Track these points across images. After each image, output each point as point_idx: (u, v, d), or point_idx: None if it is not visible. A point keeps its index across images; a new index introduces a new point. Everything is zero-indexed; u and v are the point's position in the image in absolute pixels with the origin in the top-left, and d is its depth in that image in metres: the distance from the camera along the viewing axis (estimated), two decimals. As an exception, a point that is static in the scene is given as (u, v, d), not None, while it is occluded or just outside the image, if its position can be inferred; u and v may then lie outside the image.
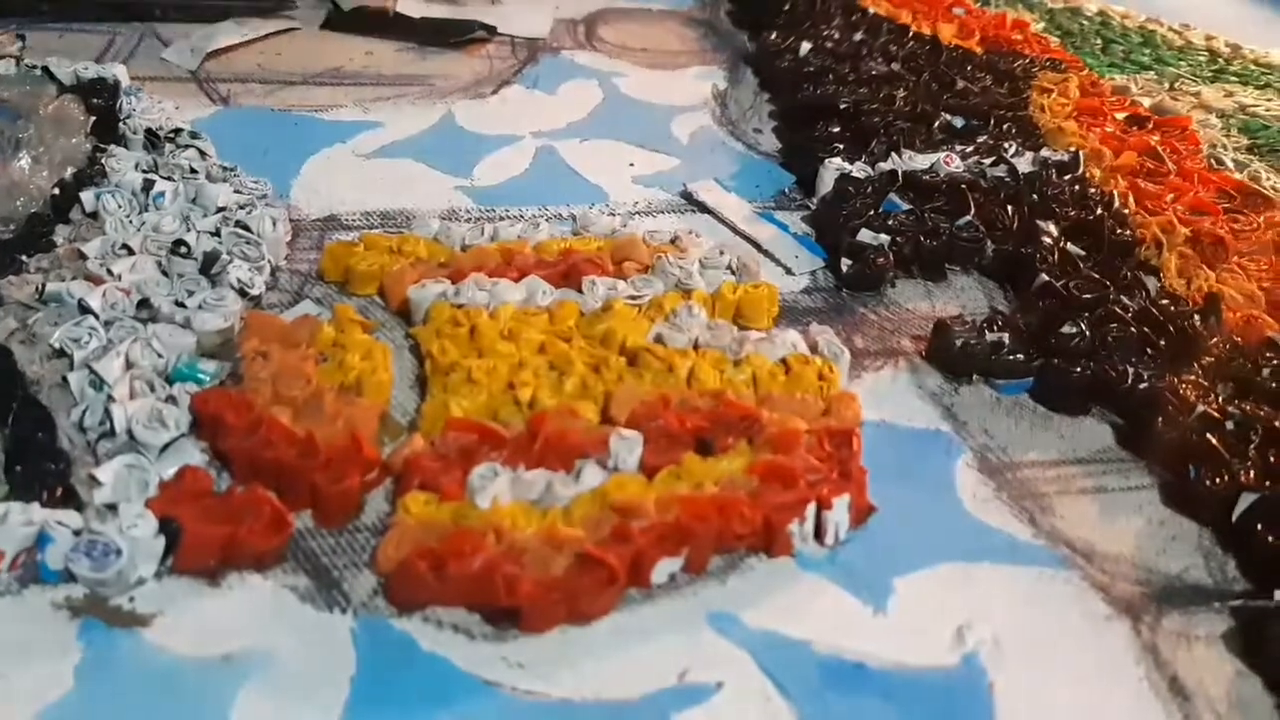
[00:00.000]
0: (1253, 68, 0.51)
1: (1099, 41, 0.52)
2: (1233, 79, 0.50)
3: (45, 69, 0.41)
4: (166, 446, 0.27)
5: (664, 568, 0.26)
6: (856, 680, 0.24)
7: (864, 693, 0.24)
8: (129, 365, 0.29)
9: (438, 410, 0.29)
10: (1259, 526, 0.27)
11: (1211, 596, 0.27)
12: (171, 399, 0.28)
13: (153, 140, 0.38)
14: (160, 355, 0.29)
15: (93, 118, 0.39)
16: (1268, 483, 0.28)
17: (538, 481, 0.27)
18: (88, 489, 0.26)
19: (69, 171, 0.36)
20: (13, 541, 0.24)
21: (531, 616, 0.24)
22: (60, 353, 0.30)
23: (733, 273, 0.35)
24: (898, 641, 0.25)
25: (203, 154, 0.38)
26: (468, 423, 0.28)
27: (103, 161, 0.37)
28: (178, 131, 0.39)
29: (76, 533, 0.25)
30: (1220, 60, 0.51)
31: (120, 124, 0.39)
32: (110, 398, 0.28)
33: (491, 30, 0.49)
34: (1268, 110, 0.46)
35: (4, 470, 0.27)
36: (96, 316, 0.30)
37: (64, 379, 0.29)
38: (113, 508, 0.25)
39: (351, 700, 0.23)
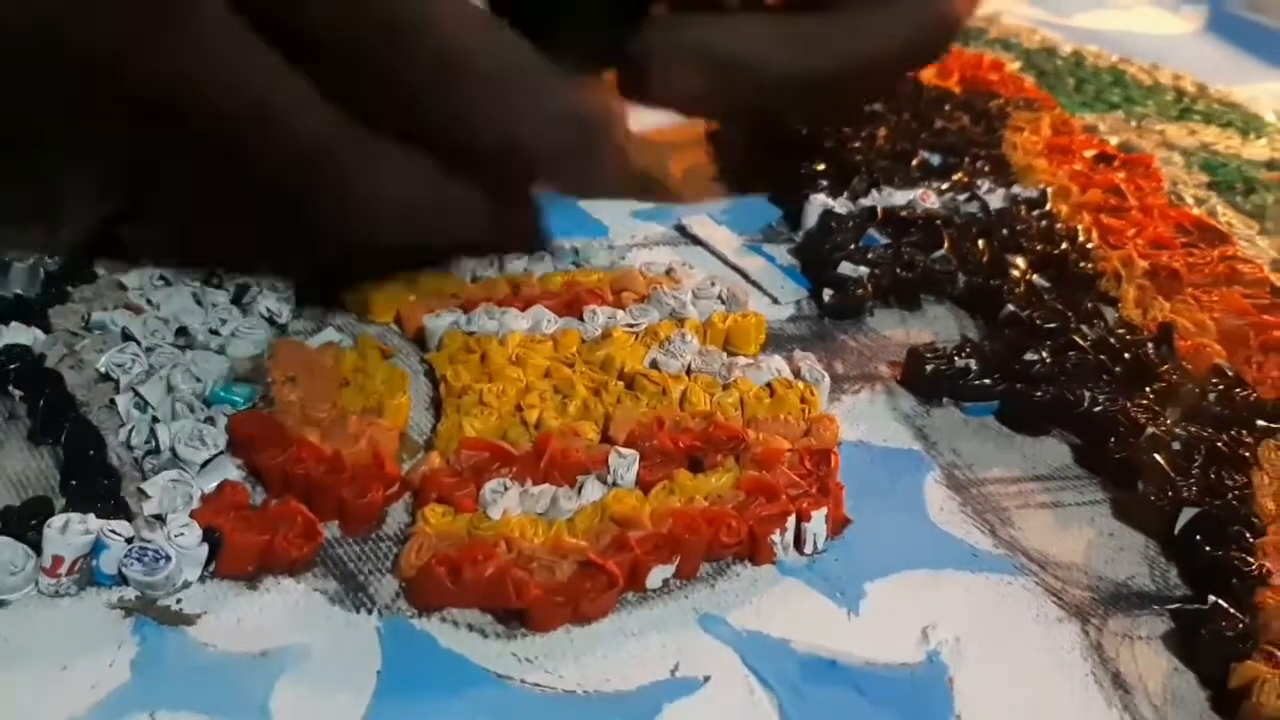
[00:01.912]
0: (1216, 106, 0.54)
1: (1072, 81, 0.55)
2: (1197, 117, 0.53)
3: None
4: (207, 463, 0.30)
5: (658, 574, 0.28)
6: (830, 674, 0.27)
7: (837, 685, 0.27)
8: (170, 389, 0.31)
9: (452, 431, 0.31)
10: (1197, 538, 0.30)
11: (1153, 601, 0.30)
12: (210, 420, 0.31)
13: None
14: (198, 380, 0.32)
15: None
16: (1207, 499, 0.31)
17: (544, 495, 0.30)
18: (137, 501, 0.29)
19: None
20: (71, 549, 0.27)
21: (538, 617, 0.27)
22: (106, 377, 0.32)
23: (723, 302, 0.38)
24: (868, 640, 0.28)
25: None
26: (480, 442, 0.31)
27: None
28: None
29: (129, 540, 0.27)
30: (1186, 99, 0.54)
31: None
32: (155, 418, 0.31)
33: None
34: (1227, 148, 0.49)
35: (60, 485, 0.29)
36: (138, 343, 0.33)
37: (111, 401, 0.31)
38: (160, 518, 0.28)
39: (379, 690, 0.25)
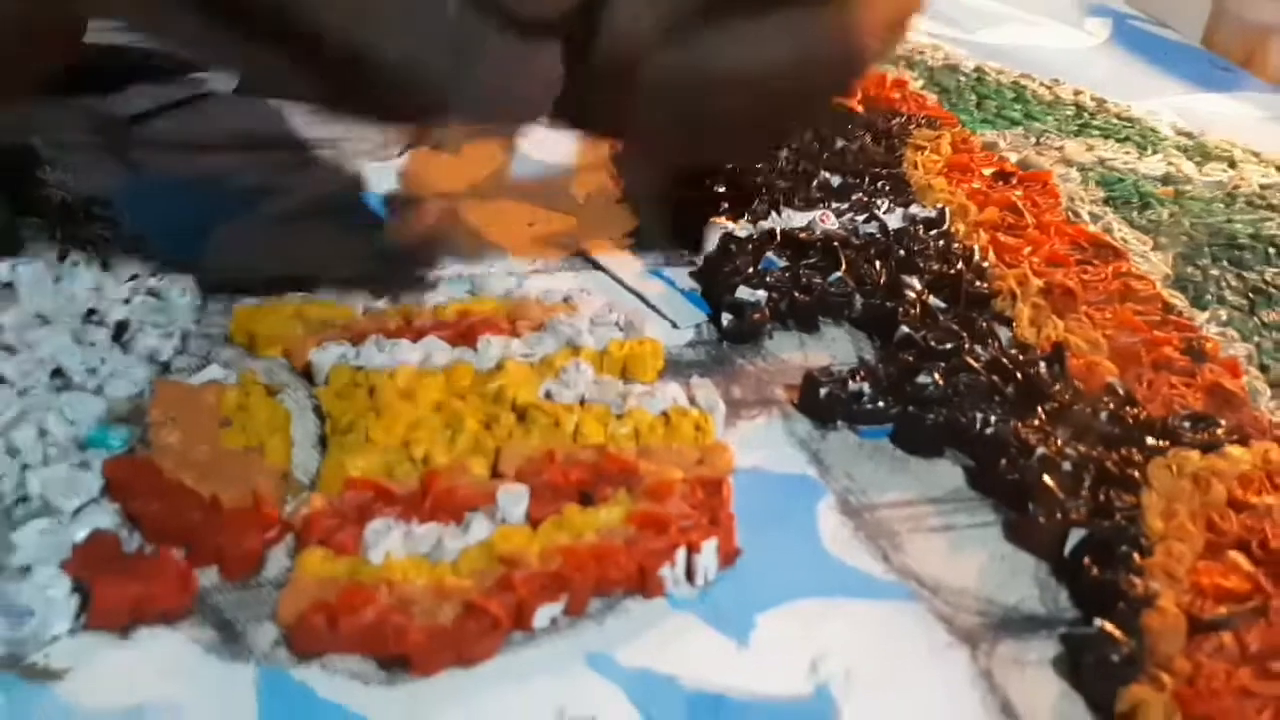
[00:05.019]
0: (1115, 121, 0.55)
1: (974, 98, 0.56)
2: (1095, 133, 0.53)
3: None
4: (79, 510, 0.29)
5: (545, 612, 0.28)
6: (717, 711, 0.27)
7: (726, 722, 0.27)
8: (43, 433, 0.31)
9: (335, 470, 0.31)
10: (1086, 560, 0.31)
11: (1043, 625, 0.30)
12: (85, 464, 0.30)
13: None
14: (73, 423, 0.31)
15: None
16: (1096, 519, 0.31)
17: (429, 535, 0.29)
18: (4, 553, 0.28)
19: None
20: (-69, 605, 0.26)
21: (420, 662, 0.26)
22: (-29, 426, 0.31)
23: (621, 329, 0.38)
24: (756, 674, 0.27)
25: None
26: (364, 481, 0.30)
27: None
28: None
29: (-10, 597, 0.26)
30: (1085, 114, 0.55)
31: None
32: (25, 465, 0.30)
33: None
34: (1124, 163, 0.50)
35: (-77, 537, 0.28)
36: (11, 385, 0.32)
37: (-18, 449, 0.30)
38: (27, 569, 0.27)
39: (253, 745, 0.25)
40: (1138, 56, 0.68)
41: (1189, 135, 0.54)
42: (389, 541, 0.28)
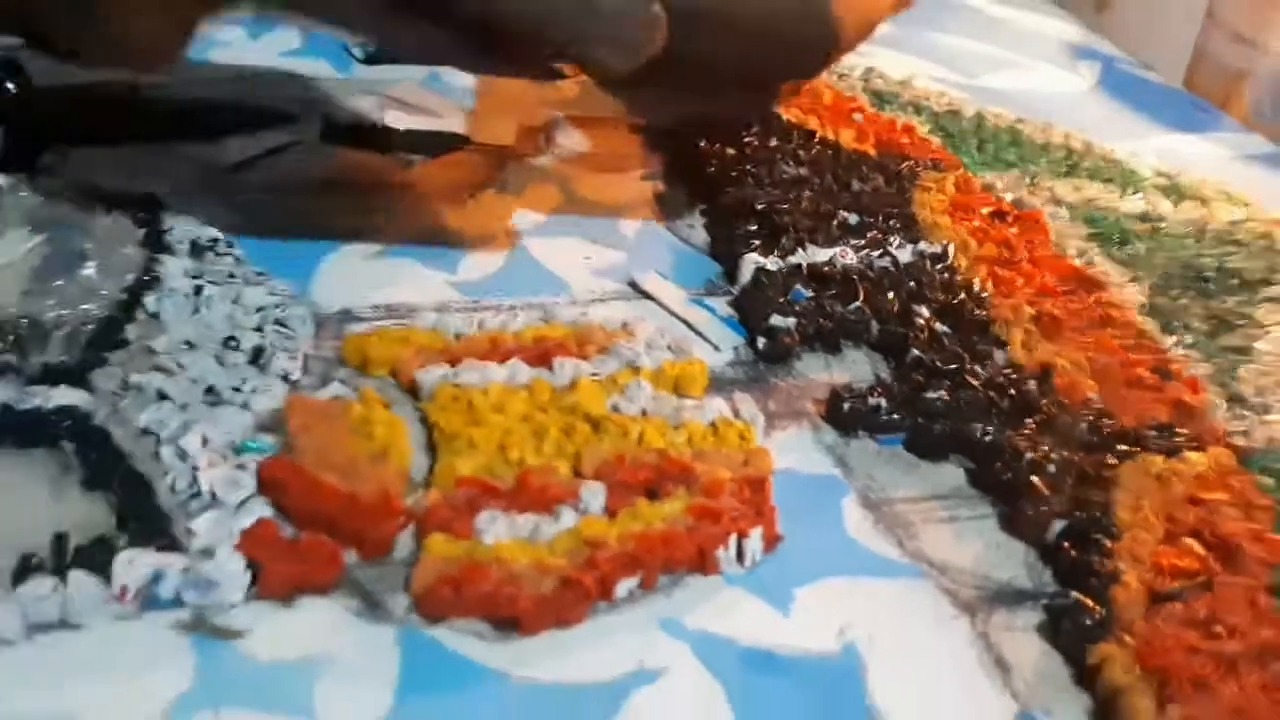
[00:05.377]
0: (1100, 163, 0.61)
1: (975, 141, 0.62)
2: (1083, 174, 0.59)
3: (95, 187, 0.50)
4: (242, 503, 0.35)
5: (624, 585, 0.34)
6: (767, 664, 0.33)
7: (773, 673, 0.33)
8: (205, 441, 0.37)
9: (447, 470, 0.37)
10: (1066, 545, 0.37)
11: (1030, 598, 0.36)
12: (241, 466, 0.36)
13: (196, 249, 0.47)
14: (227, 432, 0.38)
15: (141, 230, 0.48)
16: (1075, 512, 0.38)
17: (528, 523, 0.35)
18: (186, 538, 0.34)
19: (129, 278, 0.45)
20: (135, 579, 0.32)
21: (527, 623, 0.33)
22: (147, 431, 0.38)
23: (671, 351, 0.44)
24: (796, 635, 0.34)
25: (238, 260, 0.46)
26: (472, 480, 0.37)
27: (156, 270, 0.45)
28: (215, 240, 0.47)
29: (183, 570, 0.33)
30: (1074, 157, 0.61)
31: (165, 235, 0.47)
32: (195, 467, 0.36)
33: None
34: (1107, 203, 0.56)
35: (117, 525, 0.35)
36: (173, 401, 0.38)
37: (155, 453, 0.37)
38: (208, 551, 0.34)
39: (399, 686, 0.31)
40: (1124, 100, 0.74)
41: (1167, 176, 0.60)
42: (496, 528, 0.35)
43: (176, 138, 0.56)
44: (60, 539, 0.33)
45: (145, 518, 0.34)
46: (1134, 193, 0.58)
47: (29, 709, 0.30)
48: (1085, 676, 0.33)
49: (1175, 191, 0.59)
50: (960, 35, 0.81)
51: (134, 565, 0.32)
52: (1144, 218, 0.55)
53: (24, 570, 0.32)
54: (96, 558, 0.33)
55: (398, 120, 0.59)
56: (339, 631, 0.32)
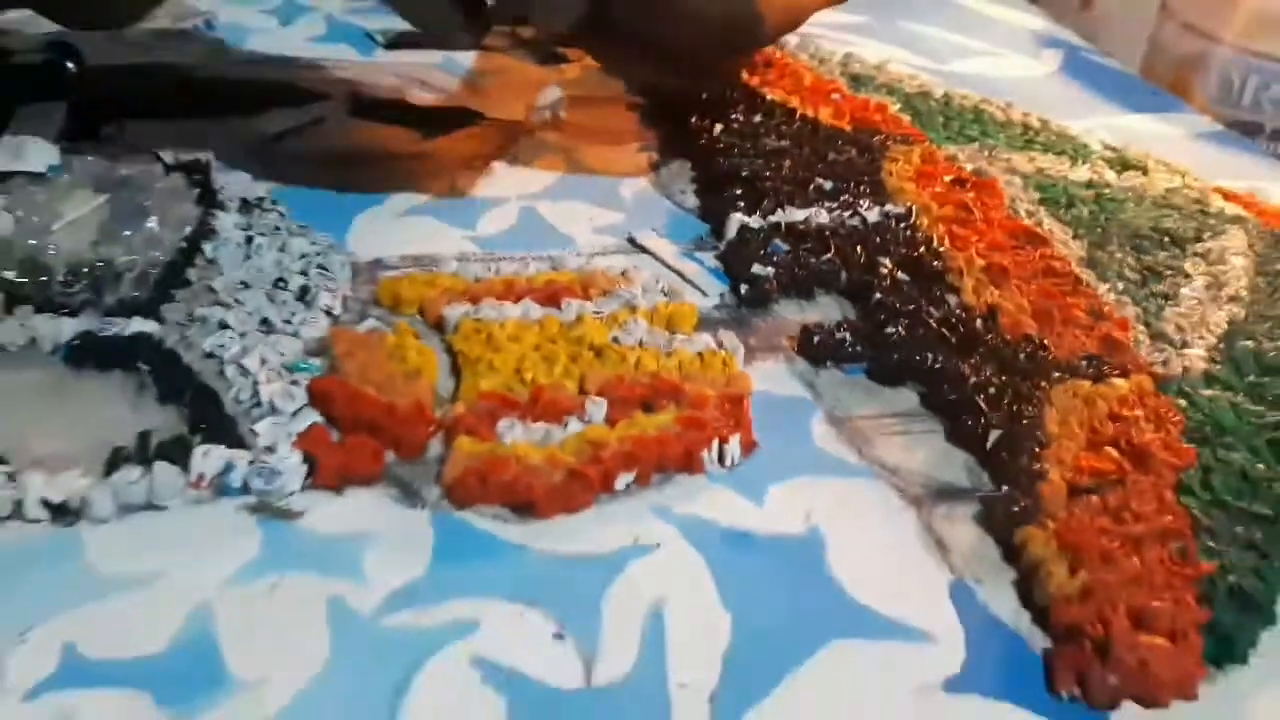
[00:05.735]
0: (1054, 138, 0.66)
1: (941, 119, 0.67)
2: (1038, 148, 0.65)
3: (155, 153, 0.55)
4: (296, 412, 0.41)
5: (623, 479, 0.40)
6: (743, 542, 0.38)
7: (747, 550, 0.38)
8: (263, 361, 0.43)
9: (471, 387, 0.43)
10: (1000, 451, 0.42)
11: (968, 494, 0.41)
12: (295, 382, 0.42)
13: (245, 206, 0.52)
14: (282, 355, 0.43)
15: (195, 190, 0.53)
16: (1011, 424, 0.43)
17: (540, 429, 0.41)
18: (251, 438, 0.40)
19: (188, 230, 0.50)
20: (210, 469, 0.38)
21: (541, 508, 0.38)
22: (210, 355, 0.43)
23: (665, 295, 0.50)
24: (768, 520, 0.39)
25: (282, 215, 0.52)
26: (492, 394, 0.42)
27: (211, 223, 0.51)
28: (261, 198, 0.53)
29: (250, 462, 0.38)
30: (1030, 133, 0.67)
31: (217, 194, 0.53)
32: (256, 382, 0.42)
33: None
34: (1057, 172, 0.62)
35: (190, 429, 0.40)
36: (235, 330, 0.44)
37: (220, 371, 0.42)
38: (270, 449, 0.39)
39: (434, 557, 0.37)
40: (1082, 83, 0.79)
41: (1113, 149, 0.66)
42: (514, 433, 0.40)
43: (222, 112, 0.62)
44: (144, 436, 0.39)
45: (215, 423, 0.40)
46: (1083, 163, 0.63)
47: (123, 571, 0.35)
48: (1011, 554, 0.39)
49: (1120, 163, 0.64)
50: (933, 25, 0.86)
51: (209, 457, 0.38)
52: (1089, 185, 0.61)
53: (115, 461, 0.38)
54: (176, 452, 0.38)
55: (418, 98, 0.65)
56: (382, 514, 0.38)
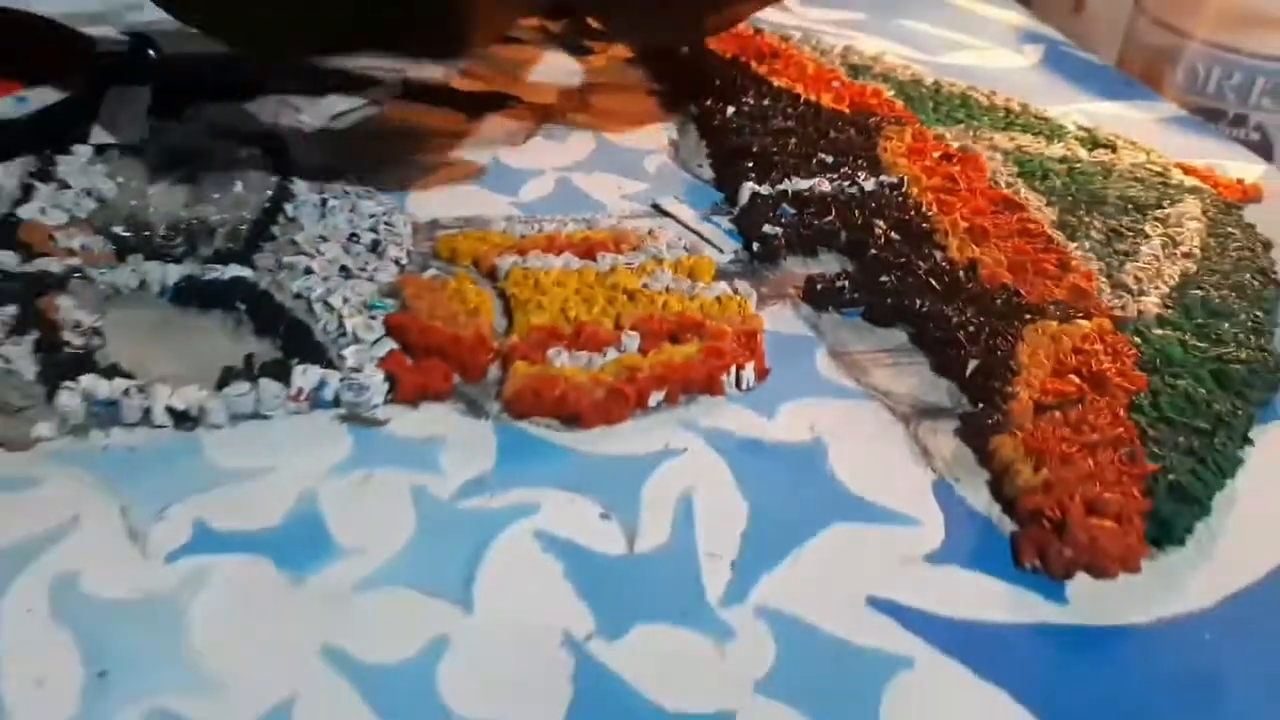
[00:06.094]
0: (1033, 120, 0.73)
1: (931, 104, 0.73)
2: (1018, 129, 0.71)
3: (233, 128, 0.62)
4: (376, 341, 0.47)
5: (654, 397, 0.46)
6: (758, 448, 0.45)
7: (761, 454, 0.44)
8: (345, 300, 0.49)
9: (524, 323, 0.49)
10: (978, 378, 0.49)
11: (950, 413, 0.48)
12: (373, 317, 0.48)
13: (323, 170, 0.59)
14: (360, 296, 0.50)
15: (272, 160, 0.60)
16: (987, 356, 0.50)
17: (583, 357, 0.47)
18: (339, 361, 0.46)
19: (269, 194, 0.57)
20: (307, 384, 0.44)
21: (586, 420, 0.45)
22: (298, 296, 0.50)
23: (686, 251, 0.56)
24: (780, 431, 0.45)
25: (352, 181, 0.59)
26: (541, 328, 0.49)
27: (289, 188, 0.57)
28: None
29: (341, 379, 0.45)
30: (1011, 116, 0.73)
31: (291, 164, 0.60)
32: (341, 316, 0.48)
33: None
34: (1034, 150, 0.68)
35: (285, 357, 0.47)
36: (320, 274, 0.51)
37: (309, 308, 0.49)
38: (356, 369, 0.46)
39: (497, 457, 0.43)
40: (1061, 74, 0.86)
41: (1086, 130, 0.72)
42: (561, 359, 0.47)
43: (287, 94, 0.68)
44: (249, 358, 0.45)
45: (307, 350, 0.46)
46: (1057, 142, 0.70)
47: (239, 466, 0.42)
48: (985, 459, 0.45)
49: (1091, 141, 0.70)
50: (925, 22, 0.93)
51: (306, 374, 0.44)
52: (1063, 160, 0.67)
53: (225, 379, 0.44)
54: (277, 370, 0.45)
55: (462, 84, 0.71)
56: (452, 423, 0.44)
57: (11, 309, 0.46)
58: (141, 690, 0.33)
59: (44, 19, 0.67)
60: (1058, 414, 0.46)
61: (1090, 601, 0.39)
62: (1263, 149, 0.85)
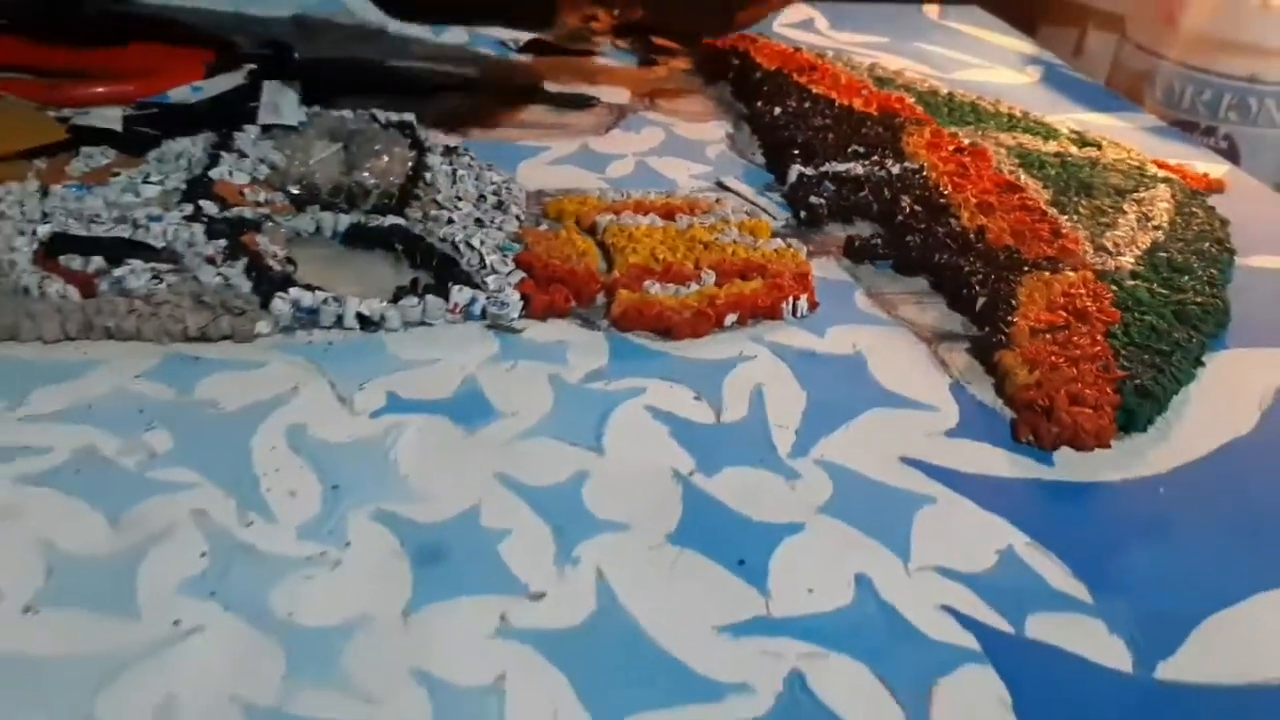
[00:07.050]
0: (1032, 124, 0.84)
1: (946, 110, 0.85)
2: (1019, 130, 0.82)
3: (373, 115, 0.73)
4: (509, 272, 0.58)
5: (729, 318, 0.57)
6: (812, 358, 0.55)
7: (815, 361, 0.55)
8: (483, 242, 0.60)
9: (624, 261, 0.60)
10: (985, 311, 0.59)
11: (963, 336, 0.58)
12: (505, 255, 0.59)
13: (446, 150, 0.70)
14: (493, 239, 0.61)
15: (407, 139, 0.71)
16: (993, 297, 0.60)
17: (672, 288, 0.58)
18: (484, 286, 0.57)
19: (409, 165, 0.68)
20: (461, 300, 0.55)
21: (677, 333, 0.55)
22: (445, 239, 0.61)
23: (748, 215, 0.67)
24: (829, 346, 0.56)
25: (473, 157, 0.70)
26: (638, 266, 0.59)
27: (425, 160, 0.69)
28: (455, 146, 0.71)
29: (487, 297, 0.56)
30: (1014, 119, 0.84)
31: (424, 144, 0.71)
32: (482, 255, 0.59)
33: (597, 100, 0.82)
34: (1033, 146, 0.79)
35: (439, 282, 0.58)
36: (457, 223, 0.62)
37: (455, 248, 0.60)
38: (498, 290, 0.57)
39: (610, 357, 0.54)
40: (1057, 91, 0.97)
41: (1077, 133, 0.83)
42: (654, 289, 0.58)
43: (404, 92, 0.80)
44: (415, 280, 0.56)
45: (457, 278, 0.57)
46: (1052, 141, 0.81)
47: (413, 358, 0.52)
48: (991, 370, 0.56)
49: (1081, 141, 0.81)
50: (940, 46, 1.04)
51: (460, 292, 0.55)
52: (1056, 154, 0.78)
53: (398, 294, 0.55)
54: (438, 290, 0.56)
55: (551, 86, 0.83)
56: (573, 333, 0.55)
57: (223, 242, 0.57)
58: (367, 498, 0.44)
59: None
60: (1049, 336, 0.57)
61: (1072, 465, 0.50)
62: (1231, 155, 0.96)
